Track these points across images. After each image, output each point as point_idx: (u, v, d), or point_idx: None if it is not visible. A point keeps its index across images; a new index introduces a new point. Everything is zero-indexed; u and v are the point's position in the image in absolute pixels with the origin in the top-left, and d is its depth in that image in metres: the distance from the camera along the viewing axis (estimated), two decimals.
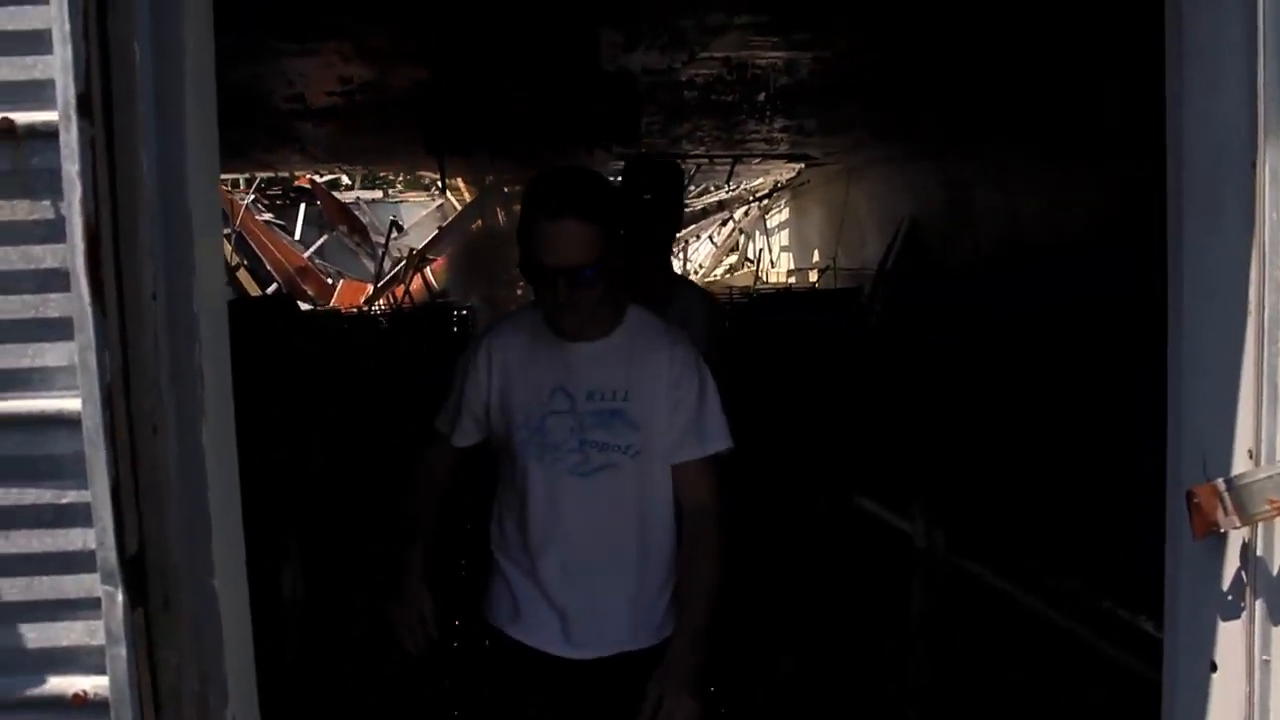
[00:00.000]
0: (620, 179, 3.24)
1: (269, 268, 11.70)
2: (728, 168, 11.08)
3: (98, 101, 1.35)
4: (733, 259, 15.52)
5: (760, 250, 14.95)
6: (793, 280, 13.20)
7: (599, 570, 2.46)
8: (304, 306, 10.38)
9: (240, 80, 5.71)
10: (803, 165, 11.40)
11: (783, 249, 14.69)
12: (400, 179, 13.72)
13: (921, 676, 3.58)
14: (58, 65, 1.32)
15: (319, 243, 13.81)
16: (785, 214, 14.40)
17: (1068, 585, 3.36)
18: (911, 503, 3.67)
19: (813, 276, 12.50)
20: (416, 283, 11.25)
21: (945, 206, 8.73)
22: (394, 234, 12.55)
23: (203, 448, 1.46)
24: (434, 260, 11.61)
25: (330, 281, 12.50)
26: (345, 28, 5.13)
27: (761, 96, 7.01)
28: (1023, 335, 5.82)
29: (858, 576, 4.00)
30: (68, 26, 1.31)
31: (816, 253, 12.77)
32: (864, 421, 5.21)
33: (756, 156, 10.31)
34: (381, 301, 11.06)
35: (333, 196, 13.34)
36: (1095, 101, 5.53)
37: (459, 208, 12.28)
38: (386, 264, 12.19)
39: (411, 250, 11.84)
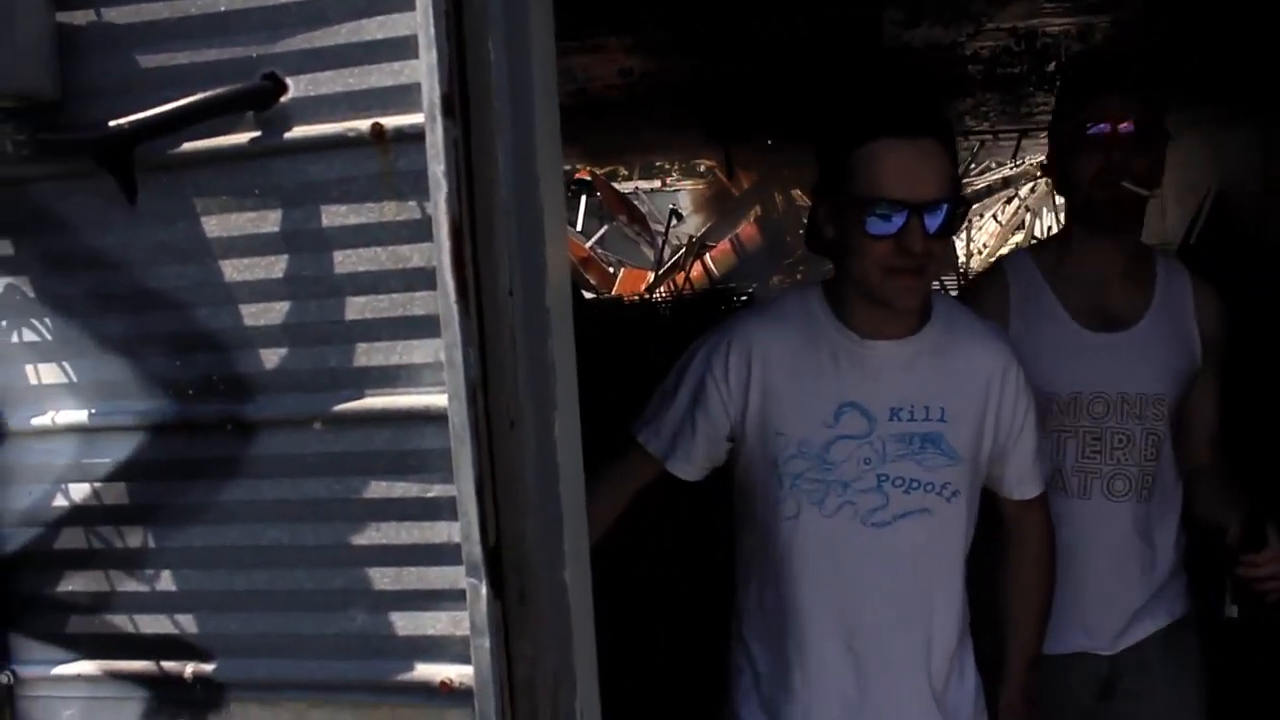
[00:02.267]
0: (1063, 93, 2.31)
1: None
2: (1013, 143, 10.66)
3: (458, 102, 1.37)
4: (1019, 238, 14.91)
5: (1049, 228, 14.30)
6: None
7: (899, 659, 1.90)
8: (587, 295, 10.64)
9: None
10: None
11: None
12: (676, 167, 13.86)
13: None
14: (423, 69, 1.35)
15: (600, 233, 14.12)
16: None
17: None
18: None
19: None
20: (696, 269, 11.35)
21: (1259, 174, 8.10)
22: (673, 222, 12.70)
23: (554, 442, 1.47)
24: (713, 246, 11.69)
25: (611, 270, 12.77)
26: (628, 23, 5.20)
27: (1051, 66, 6.70)
28: None
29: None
30: (432, 31, 1.34)
31: None
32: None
33: (1044, 130, 9.87)
34: (662, 288, 11.21)
35: (612, 187, 13.61)
36: None
37: (736, 194, 12.31)
38: (666, 252, 12.35)
39: (690, 237, 11.96)
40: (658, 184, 14.79)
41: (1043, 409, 2.08)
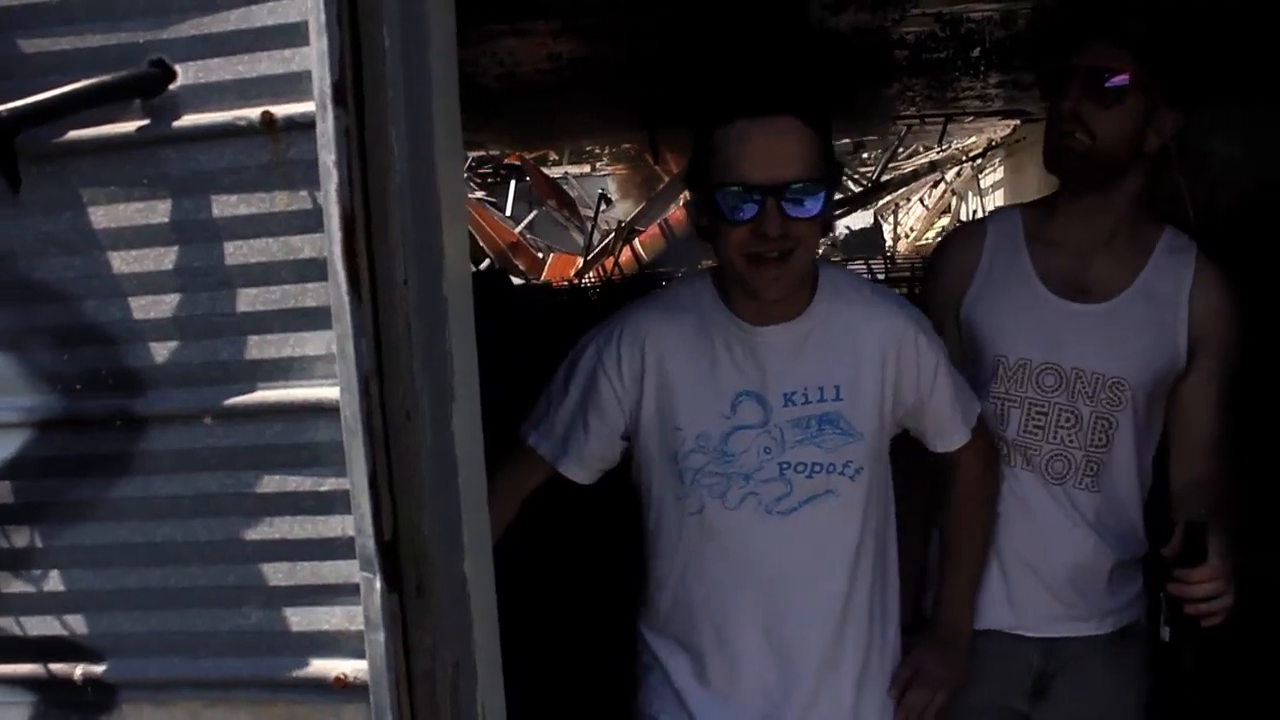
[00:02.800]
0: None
1: (482, 244, 11.99)
2: (939, 128, 10.74)
3: (350, 90, 1.35)
4: (945, 222, 15.09)
5: (974, 212, 14.49)
6: None
7: (817, 648, 1.87)
8: (516, 281, 10.61)
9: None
10: (1019, 121, 10.97)
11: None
12: (606, 152, 13.82)
13: None
14: (314, 56, 1.32)
15: (529, 218, 14.08)
16: (1000, 173, 13.91)
17: None
18: None
19: None
20: (625, 254, 11.34)
21: (1176, 159, 8.26)
22: (603, 207, 12.68)
23: (452, 433, 1.46)
24: (642, 232, 11.69)
25: (541, 256, 12.73)
26: (555, 5, 5.16)
27: (976, 52, 6.76)
28: None
29: None
30: (323, 17, 1.31)
31: None
32: None
33: (969, 115, 9.94)
34: (591, 274, 11.19)
35: (541, 172, 13.55)
36: None
37: (665, 179, 12.32)
38: (595, 237, 12.32)
39: (620, 223, 11.95)
40: (587, 169, 14.74)
41: (988, 372, 2.05)
